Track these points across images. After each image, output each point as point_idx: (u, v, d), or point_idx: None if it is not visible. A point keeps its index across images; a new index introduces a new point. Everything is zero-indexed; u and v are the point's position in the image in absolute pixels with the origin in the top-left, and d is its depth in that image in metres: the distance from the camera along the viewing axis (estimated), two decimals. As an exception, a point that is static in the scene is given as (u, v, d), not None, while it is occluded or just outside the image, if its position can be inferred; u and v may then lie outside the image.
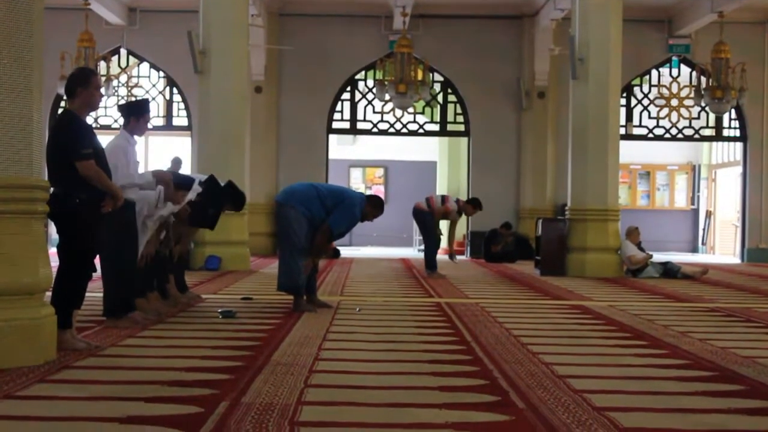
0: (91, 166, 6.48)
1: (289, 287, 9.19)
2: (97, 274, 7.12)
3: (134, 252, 7.84)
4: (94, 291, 7.84)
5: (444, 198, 14.87)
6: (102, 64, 19.56)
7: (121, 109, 8.21)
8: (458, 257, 14.68)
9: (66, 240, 6.58)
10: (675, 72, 21.55)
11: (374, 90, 19.75)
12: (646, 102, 21.59)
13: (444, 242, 15.70)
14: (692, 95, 20.35)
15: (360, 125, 21.72)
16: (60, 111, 20.18)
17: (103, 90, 19.61)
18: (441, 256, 15.34)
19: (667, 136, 21.75)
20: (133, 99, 18.99)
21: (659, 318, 9.05)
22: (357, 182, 26.65)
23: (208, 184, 8.96)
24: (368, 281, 13.53)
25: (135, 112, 7.88)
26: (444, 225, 15.29)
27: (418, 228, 15.39)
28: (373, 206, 9.31)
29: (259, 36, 19.72)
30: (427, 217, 14.54)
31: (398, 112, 20.99)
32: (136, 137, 7.87)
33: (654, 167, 25.73)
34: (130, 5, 20.53)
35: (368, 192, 26.84)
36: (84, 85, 6.62)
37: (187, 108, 20.95)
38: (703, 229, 25.05)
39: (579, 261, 15.38)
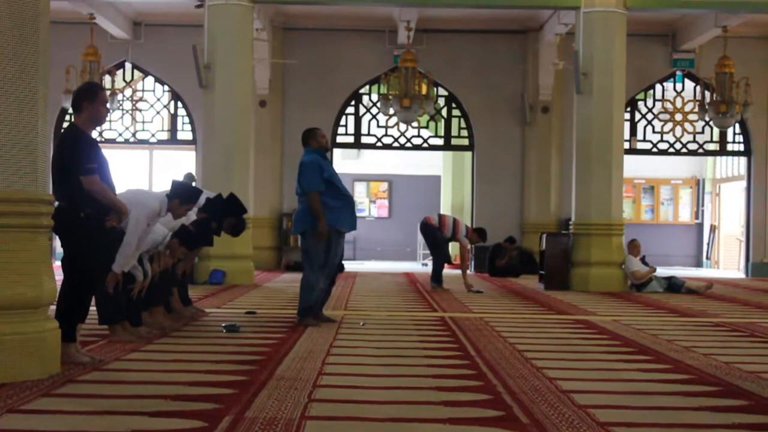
0: (95, 180, 6.48)
1: (301, 309, 9.26)
2: None
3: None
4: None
5: (456, 224, 14.71)
6: (107, 78, 19.59)
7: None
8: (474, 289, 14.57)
9: (70, 254, 6.59)
10: (679, 86, 21.56)
11: (378, 104, 19.77)
12: (650, 116, 21.59)
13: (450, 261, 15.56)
14: (696, 110, 20.35)
15: (364, 139, 21.72)
16: (65, 125, 20.26)
17: (108, 104, 19.67)
18: (446, 270, 15.31)
19: (671, 150, 21.74)
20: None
21: (663, 333, 9.04)
22: (361, 196, 26.66)
23: (211, 201, 9.00)
24: (372, 295, 13.53)
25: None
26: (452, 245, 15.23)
27: (425, 241, 15.28)
28: (313, 137, 9.48)
29: (264, 50, 19.76)
30: (437, 233, 14.54)
31: (402, 127, 21.00)
32: None
33: (658, 181, 25.72)
34: (135, 19, 20.59)
35: (373, 207, 26.89)
36: (90, 100, 6.63)
37: (191, 122, 20.99)
38: (708, 244, 25.02)
39: (583, 275, 15.37)
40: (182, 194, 7.95)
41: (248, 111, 16.30)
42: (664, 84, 21.61)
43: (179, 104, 21.12)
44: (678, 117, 21.44)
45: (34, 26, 5.82)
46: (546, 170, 21.32)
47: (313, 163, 9.28)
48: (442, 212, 19.86)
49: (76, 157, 6.48)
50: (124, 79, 21.07)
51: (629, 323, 9.91)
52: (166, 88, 21.13)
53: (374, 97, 21.26)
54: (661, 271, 16.41)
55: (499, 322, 9.77)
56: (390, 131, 21.42)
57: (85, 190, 6.45)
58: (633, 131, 21.35)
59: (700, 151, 22.11)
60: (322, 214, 9.16)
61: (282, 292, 13.73)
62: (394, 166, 26.52)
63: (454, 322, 9.66)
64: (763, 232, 21.24)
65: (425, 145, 22.09)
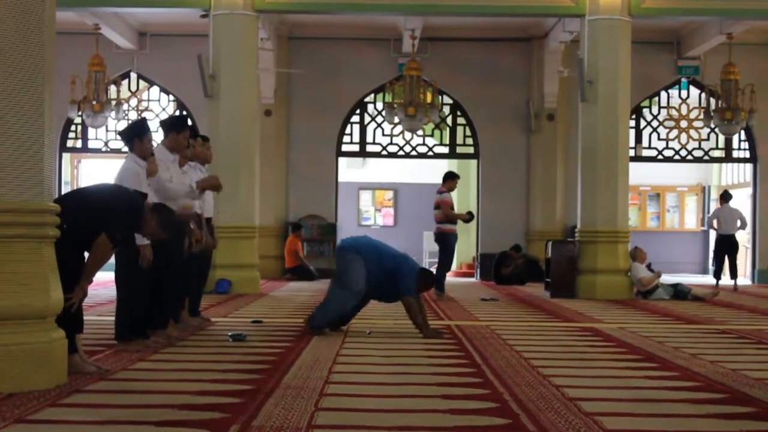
0: (106, 245, 6.43)
1: (319, 322, 9.21)
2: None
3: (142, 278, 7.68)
4: (105, 315, 7.87)
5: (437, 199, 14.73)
6: (112, 88, 19.64)
7: (122, 134, 7.98)
8: (466, 279, 14.56)
9: (61, 266, 6.50)
10: (684, 93, 21.56)
11: (384, 113, 19.79)
12: (655, 124, 21.59)
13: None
14: (701, 117, 20.34)
15: (369, 148, 21.73)
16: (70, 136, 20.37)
17: (114, 113, 19.63)
18: (452, 279, 15.27)
19: (677, 157, 21.73)
20: (130, 121, 18.46)
21: (670, 340, 9.03)
22: (366, 205, 26.66)
23: None
24: (378, 304, 13.48)
25: (137, 134, 7.69)
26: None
27: (438, 248, 15.14)
28: (425, 280, 9.46)
29: (269, 59, 19.79)
30: (452, 239, 14.53)
31: (407, 135, 21.00)
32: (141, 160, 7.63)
33: (664, 189, 25.70)
34: (141, 30, 20.62)
35: (378, 215, 26.88)
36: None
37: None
38: (714, 251, 24.94)
39: (589, 283, 15.35)
40: (134, 132, 7.76)
41: (253, 120, 16.32)
42: (670, 91, 21.61)
43: (184, 114, 21.13)
44: (683, 124, 21.42)
45: (39, 37, 5.83)
46: (551, 178, 21.31)
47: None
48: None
49: (120, 218, 6.56)
50: (129, 89, 21.12)
51: (636, 331, 9.90)
52: (172, 97, 21.16)
53: (379, 105, 21.27)
54: (668, 278, 16.38)
55: (505, 330, 9.76)
56: (395, 140, 21.43)
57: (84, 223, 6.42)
58: (638, 138, 21.33)
59: (706, 158, 22.10)
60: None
61: (288, 301, 13.73)
62: (400, 174, 26.50)
63: (461, 331, 9.65)
64: (769, 238, 21.20)
65: (430, 153, 22.10)
